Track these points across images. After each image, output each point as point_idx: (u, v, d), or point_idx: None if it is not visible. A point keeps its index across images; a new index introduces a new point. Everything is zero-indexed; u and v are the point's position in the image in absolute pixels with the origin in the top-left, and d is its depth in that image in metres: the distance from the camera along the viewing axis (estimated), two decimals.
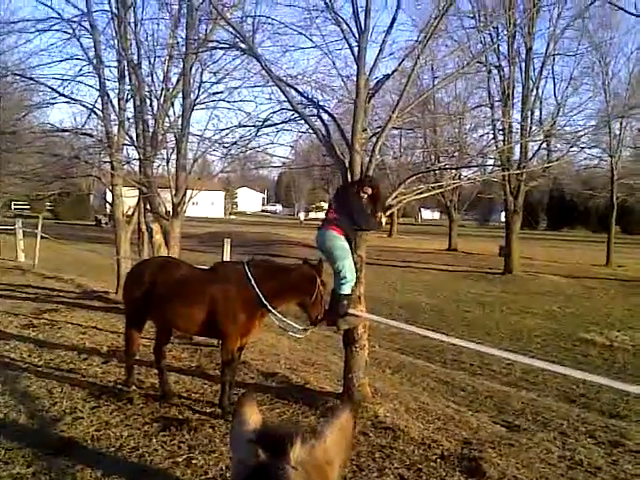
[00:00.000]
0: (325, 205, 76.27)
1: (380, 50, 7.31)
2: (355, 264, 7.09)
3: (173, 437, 5.94)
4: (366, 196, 6.98)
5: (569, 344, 13.93)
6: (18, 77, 13.53)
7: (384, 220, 7.48)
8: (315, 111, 7.80)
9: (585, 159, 30.88)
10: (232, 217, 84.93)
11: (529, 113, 24.61)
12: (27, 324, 10.79)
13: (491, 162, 13.93)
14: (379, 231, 8.86)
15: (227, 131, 11.15)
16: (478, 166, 11.04)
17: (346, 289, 6.87)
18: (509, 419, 7.74)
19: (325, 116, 7.71)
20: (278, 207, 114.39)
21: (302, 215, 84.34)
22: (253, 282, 6.46)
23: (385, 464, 5.55)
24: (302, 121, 8.23)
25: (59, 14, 12.50)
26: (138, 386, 7.38)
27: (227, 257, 11.08)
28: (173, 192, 12.10)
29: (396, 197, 7.62)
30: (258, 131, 9.32)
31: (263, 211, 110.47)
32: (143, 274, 6.99)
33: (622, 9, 16.03)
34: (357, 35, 7.17)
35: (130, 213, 15.19)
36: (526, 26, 21.88)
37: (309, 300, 6.62)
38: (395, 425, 6.53)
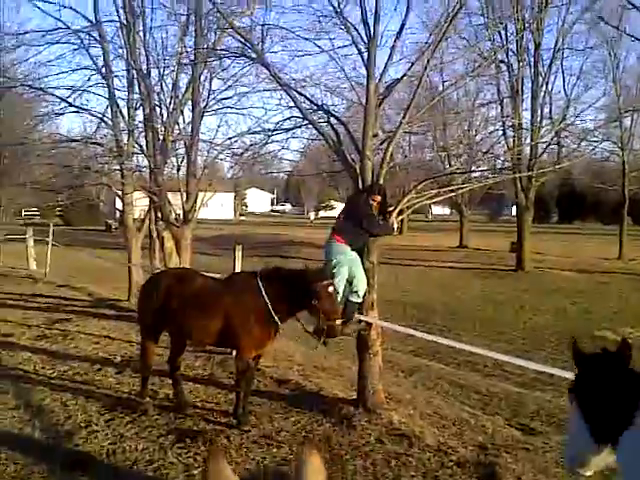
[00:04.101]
0: (335, 203, 76.26)
1: (390, 55, 7.26)
2: (367, 270, 7.10)
3: (189, 449, 5.94)
4: (375, 203, 6.98)
5: (582, 342, 13.77)
6: (28, 88, 13.57)
7: (396, 225, 7.47)
8: (325, 117, 7.77)
9: (596, 152, 30.68)
10: (242, 218, 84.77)
11: (539, 108, 24.51)
12: (40, 335, 10.84)
13: (501, 161, 13.84)
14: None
15: (236, 138, 11.17)
16: (488, 170, 10.98)
17: (352, 297, 6.95)
18: (524, 422, 7.74)
19: (334, 121, 7.68)
20: (287, 206, 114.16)
21: (312, 215, 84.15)
22: (266, 298, 6.39)
23: (401, 472, 5.54)
24: (312, 126, 8.19)
25: (67, 26, 12.55)
26: (152, 397, 7.38)
27: (239, 263, 11.06)
28: (184, 198, 12.09)
29: (408, 201, 7.56)
30: (269, 138, 9.31)
31: (272, 211, 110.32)
32: (159, 286, 6.95)
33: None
34: (366, 41, 7.13)
35: (141, 218, 15.21)
36: (535, 22, 21.71)
37: (317, 312, 6.38)
38: (410, 431, 6.51)
